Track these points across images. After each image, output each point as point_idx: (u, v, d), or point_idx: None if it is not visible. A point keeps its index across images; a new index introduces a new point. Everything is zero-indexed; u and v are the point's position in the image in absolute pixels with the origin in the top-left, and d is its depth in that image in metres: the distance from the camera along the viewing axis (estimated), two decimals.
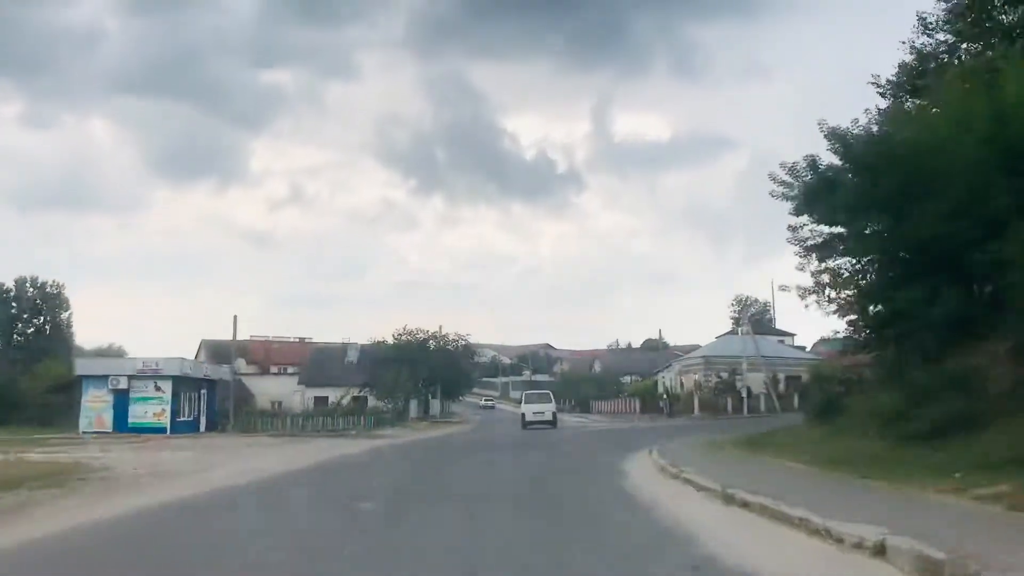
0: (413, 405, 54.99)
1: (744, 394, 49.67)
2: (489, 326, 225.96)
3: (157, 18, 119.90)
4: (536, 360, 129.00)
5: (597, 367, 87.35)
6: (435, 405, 60.95)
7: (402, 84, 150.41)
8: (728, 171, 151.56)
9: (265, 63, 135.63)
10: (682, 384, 57.11)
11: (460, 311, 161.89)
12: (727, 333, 66.95)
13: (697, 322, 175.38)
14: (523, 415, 39.49)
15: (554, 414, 39.59)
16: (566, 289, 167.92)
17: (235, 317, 46.05)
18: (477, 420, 59.31)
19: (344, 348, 61.94)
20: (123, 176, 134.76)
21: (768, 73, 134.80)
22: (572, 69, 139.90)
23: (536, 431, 35.41)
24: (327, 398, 53.03)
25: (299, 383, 57.33)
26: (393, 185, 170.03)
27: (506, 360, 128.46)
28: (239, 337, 46.29)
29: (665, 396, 55.03)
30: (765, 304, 69.57)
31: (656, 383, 65.18)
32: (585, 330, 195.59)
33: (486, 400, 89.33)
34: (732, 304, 71.22)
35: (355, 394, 51.73)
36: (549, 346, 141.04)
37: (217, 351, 64.26)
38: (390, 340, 55.87)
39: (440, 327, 58.79)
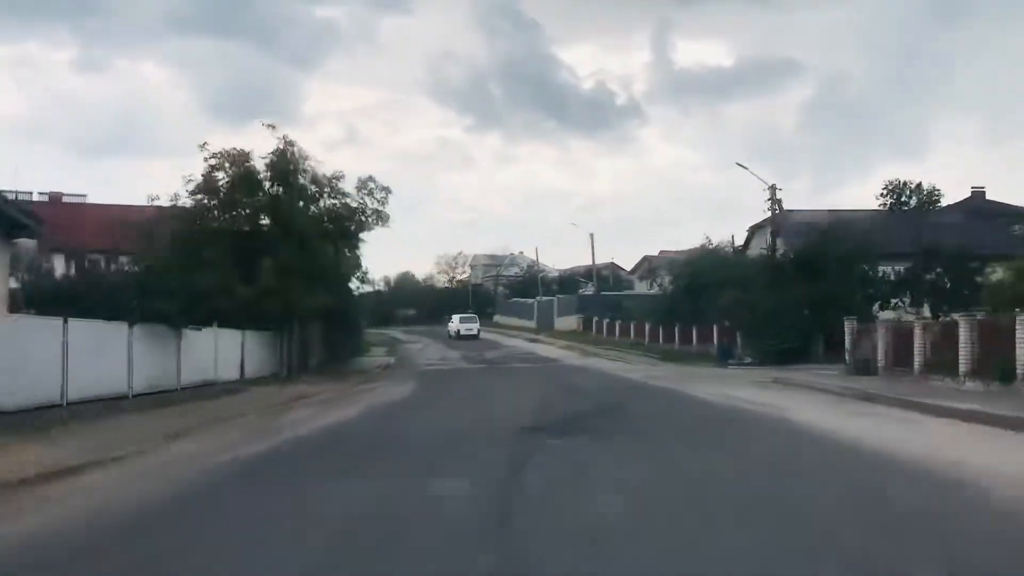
0: None
1: None
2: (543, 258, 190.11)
3: None
4: (600, 279, 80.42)
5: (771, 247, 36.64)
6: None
7: (455, 17, 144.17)
8: (794, 99, 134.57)
9: None
10: None
11: (517, 247, 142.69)
12: None
13: None
14: (458, 331, 60.49)
15: (478, 330, 61.14)
16: (626, 226, 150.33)
17: None
18: None
19: None
20: (178, 119, 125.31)
21: None
22: None
23: None
24: None
25: None
26: (448, 124, 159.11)
27: (552, 273, 79.32)
28: None
29: None
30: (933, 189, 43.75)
31: None
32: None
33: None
34: (883, 192, 45.85)
35: None
36: (616, 266, 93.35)
37: None
38: None
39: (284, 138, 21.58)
